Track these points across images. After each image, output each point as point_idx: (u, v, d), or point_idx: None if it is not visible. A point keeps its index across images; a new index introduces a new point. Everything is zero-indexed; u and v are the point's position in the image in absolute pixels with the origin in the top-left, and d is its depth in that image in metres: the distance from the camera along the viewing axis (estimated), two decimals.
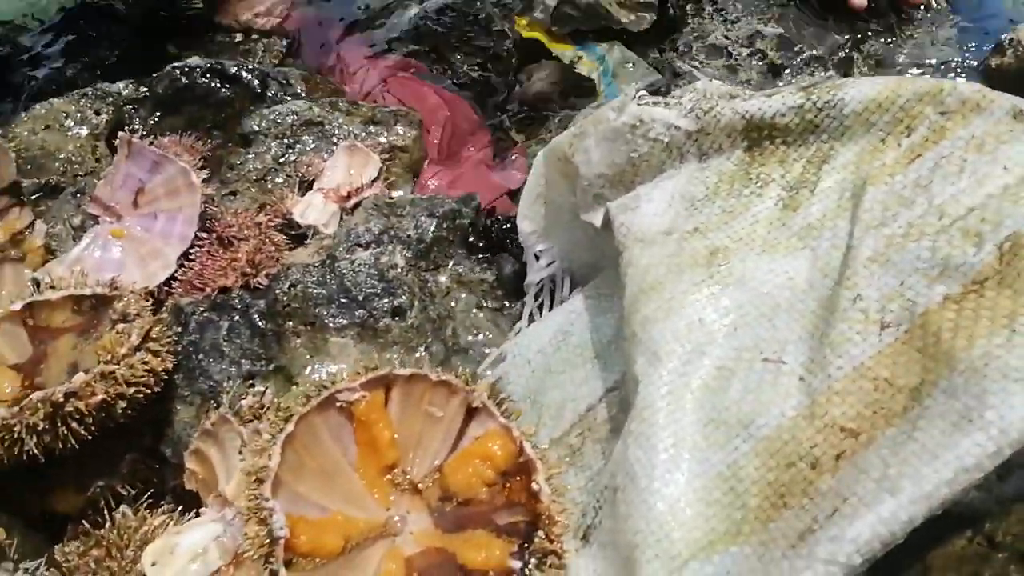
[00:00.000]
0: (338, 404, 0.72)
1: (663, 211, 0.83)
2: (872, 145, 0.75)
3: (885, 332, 0.63)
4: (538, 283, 1.05)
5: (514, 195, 1.31)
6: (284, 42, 1.56)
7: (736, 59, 1.37)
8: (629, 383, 0.74)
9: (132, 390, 0.85)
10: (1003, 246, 0.61)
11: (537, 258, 1.05)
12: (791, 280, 0.73)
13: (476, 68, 1.50)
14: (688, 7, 1.48)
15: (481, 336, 1.07)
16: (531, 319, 1.03)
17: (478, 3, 1.58)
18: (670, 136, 0.85)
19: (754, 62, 1.36)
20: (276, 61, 1.52)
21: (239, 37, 1.59)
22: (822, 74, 1.34)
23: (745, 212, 0.79)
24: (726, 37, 1.40)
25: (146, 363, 0.87)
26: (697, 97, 0.84)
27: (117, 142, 1.11)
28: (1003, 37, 1.19)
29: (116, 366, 0.84)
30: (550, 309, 1.03)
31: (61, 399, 0.80)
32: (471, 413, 0.75)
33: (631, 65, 1.46)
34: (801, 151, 0.79)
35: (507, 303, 1.11)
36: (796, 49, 1.36)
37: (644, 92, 0.88)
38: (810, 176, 0.77)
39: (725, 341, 0.71)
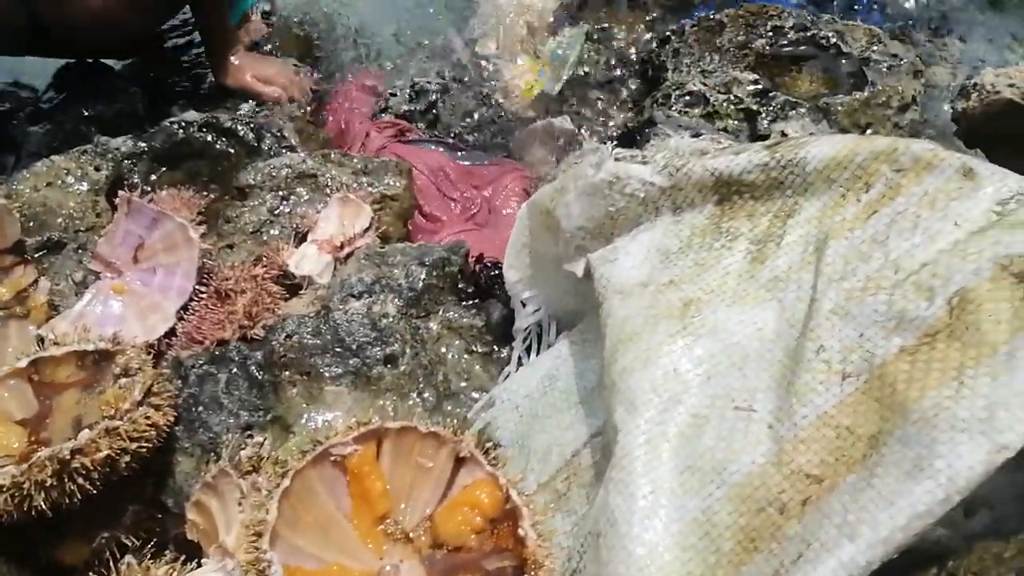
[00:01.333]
0: (332, 458, 0.75)
1: (640, 263, 0.87)
2: (833, 201, 0.79)
3: (846, 382, 0.67)
4: (525, 329, 1.09)
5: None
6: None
7: (714, 105, 1.42)
8: (609, 431, 0.78)
9: (135, 445, 0.88)
10: (952, 300, 0.65)
11: (524, 305, 1.09)
12: (760, 331, 0.77)
13: (472, 132, 1.57)
14: (667, 57, 1.53)
15: (471, 381, 1.11)
16: (519, 364, 1.07)
17: (471, 74, 1.65)
18: (645, 191, 0.89)
19: (730, 108, 1.41)
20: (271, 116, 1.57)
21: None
22: (798, 117, 1.39)
23: (716, 265, 0.83)
24: (704, 84, 1.45)
25: (148, 418, 0.90)
26: (670, 155, 0.89)
27: (117, 200, 1.16)
28: (968, 82, 1.24)
29: (120, 422, 0.88)
30: (537, 354, 1.07)
31: (68, 456, 0.84)
32: (460, 462, 0.79)
33: None
34: (768, 205, 0.84)
35: (496, 348, 1.15)
36: (771, 95, 1.41)
37: (620, 150, 0.92)
38: (776, 230, 0.82)
39: (699, 390, 0.75)
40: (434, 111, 1.72)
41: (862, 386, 0.66)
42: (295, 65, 1.72)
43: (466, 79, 1.77)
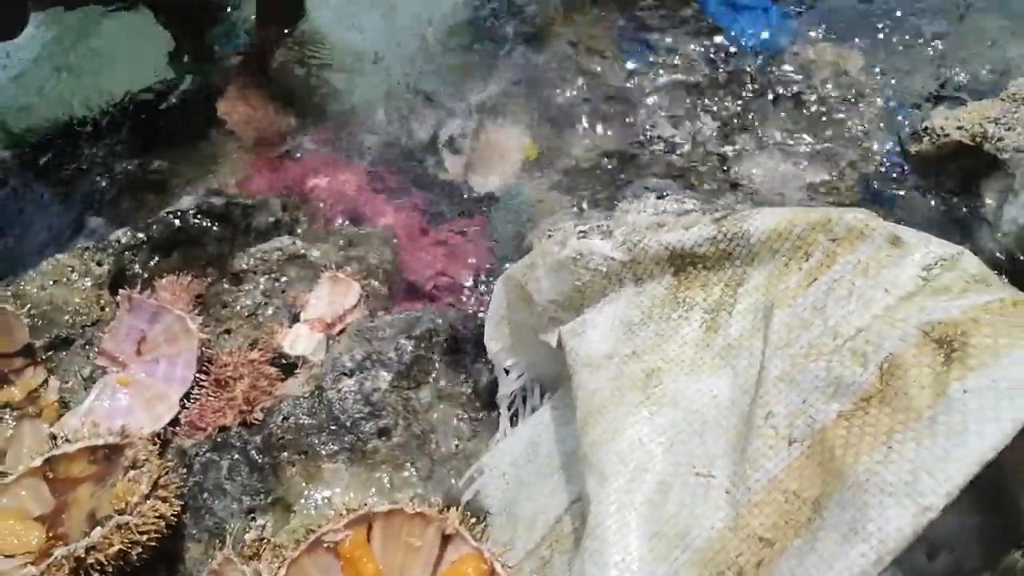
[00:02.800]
0: (325, 545, 0.81)
1: (605, 336, 0.93)
2: (778, 269, 0.85)
3: (792, 447, 0.73)
4: (510, 395, 1.14)
5: None
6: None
7: (682, 151, 1.48)
8: (584, 500, 0.83)
9: (145, 537, 0.94)
10: (883, 366, 0.70)
11: (507, 372, 1.14)
12: (715, 398, 0.82)
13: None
14: (636, 104, 1.59)
15: (463, 446, 1.16)
16: (506, 431, 1.12)
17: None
18: (607, 266, 0.95)
19: (699, 152, 1.48)
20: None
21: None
22: (765, 159, 1.45)
23: (675, 335, 0.88)
24: (674, 129, 1.52)
25: (156, 510, 0.96)
26: (627, 230, 0.95)
27: (119, 297, 1.22)
28: (919, 125, 1.30)
29: (130, 517, 0.94)
30: (524, 418, 1.13)
31: (83, 554, 0.90)
32: (447, 539, 0.84)
33: None
34: (719, 275, 0.89)
35: (485, 412, 1.20)
36: (736, 138, 1.47)
37: (583, 227, 0.98)
38: (728, 299, 0.87)
39: (663, 458, 0.80)
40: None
41: (806, 450, 0.71)
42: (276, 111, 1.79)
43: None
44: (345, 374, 1.17)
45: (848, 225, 0.81)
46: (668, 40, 1.67)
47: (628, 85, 1.63)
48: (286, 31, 1.79)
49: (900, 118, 1.41)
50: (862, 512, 0.63)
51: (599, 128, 1.60)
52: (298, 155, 1.67)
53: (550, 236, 1.16)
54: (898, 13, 1.61)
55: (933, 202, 1.28)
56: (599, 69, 1.70)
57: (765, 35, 1.63)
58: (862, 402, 0.70)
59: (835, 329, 0.76)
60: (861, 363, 0.72)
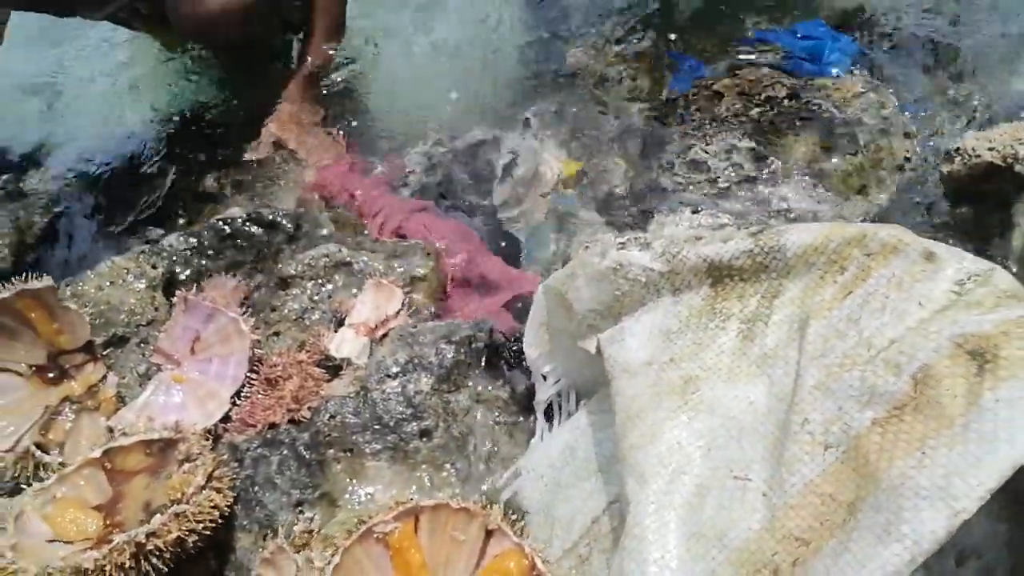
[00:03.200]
0: (375, 535, 0.85)
1: (644, 343, 0.96)
2: (813, 282, 0.88)
3: (828, 452, 0.76)
4: (546, 401, 1.18)
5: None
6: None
7: (715, 172, 1.52)
8: (623, 501, 0.86)
9: (200, 525, 0.99)
10: (916, 376, 0.73)
11: (544, 378, 1.18)
12: (752, 405, 0.85)
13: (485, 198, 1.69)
14: (671, 125, 1.64)
15: (500, 449, 1.20)
16: (542, 435, 1.16)
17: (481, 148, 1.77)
18: (646, 276, 0.99)
19: (732, 175, 1.51)
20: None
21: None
22: (796, 181, 1.48)
23: (712, 343, 0.92)
24: (705, 151, 1.55)
25: (211, 500, 1.01)
26: (666, 242, 0.98)
27: (175, 298, 1.28)
28: (951, 147, 1.33)
29: (186, 506, 0.98)
30: (559, 424, 1.16)
31: (143, 539, 0.94)
32: (489, 534, 0.88)
33: None
34: (756, 287, 0.93)
35: (521, 417, 1.24)
36: (768, 161, 1.51)
37: (622, 239, 1.02)
38: (764, 310, 0.91)
39: (701, 462, 0.84)
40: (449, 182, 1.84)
41: (841, 456, 0.74)
42: (328, 133, 1.85)
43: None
44: (389, 376, 1.21)
45: (882, 240, 0.84)
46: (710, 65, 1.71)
47: (665, 107, 1.68)
48: (332, 52, 1.85)
49: (932, 140, 1.44)
50: (896, 514, 0.66)
51: (633, 146, 1.65)
52: (348, 171, 1.73)
53: (588, 247, 1.19)
54: (928, 38, 1.64)
55: (966, 223, 1.30)
56: (641, 90, 1.75)
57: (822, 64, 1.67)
58: (896, 410, 0.73)
59: (869, 340, 0.79)
60: (895, 373, 0.75)
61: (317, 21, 1.81)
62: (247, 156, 1.72)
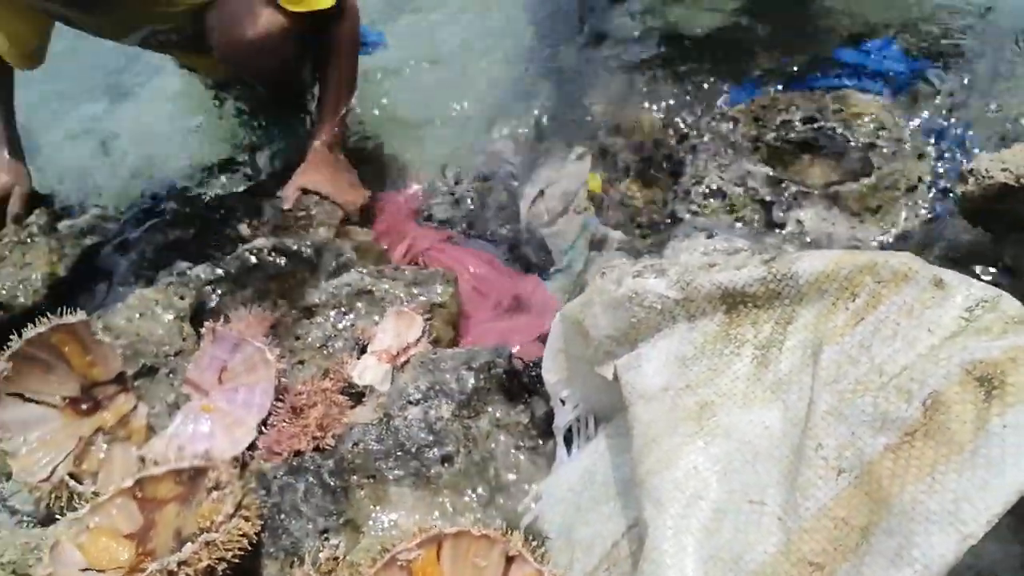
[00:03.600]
0: (399, 563, 0.87)
1: (660, 369, 0.98)
2: (826, 308, 0.90)
3: (841, 477, 0.77)
4: (565, 425, 1.20)
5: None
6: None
7: (731, 198, 1.54)
8: (641, 525, 0.88)
9: (230, 553, 1.02)
10: (927, 402, 0.75)
11: (563, 403, 1.20)
12: (767, 429, 0.87)
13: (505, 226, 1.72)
14: (686, 152, 1.66)
15: (520, 474, 1.22)
16: (562, 460, 1.17)
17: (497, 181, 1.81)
18: (662, 304, 1.01)
19: (747, 199, 1.53)
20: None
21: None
22: (811, 205, 1.50)
23: (727, 370, 0.93)
24: (721, 178, 1.57)
25: (240, 529, 1.04)
26: (681, 270, 1.01)
27: (203, 329, 1.32)
28: (964, 167, 1.34)
29: (216, 534, 1.01)
30: (579, 448, 1.18)
31: (175, 568, 0.97)
32: (510, 560, 0.90)
33: None
34: (769, 313, 0.94)
35: (541, 441, 1.26)
36: (783, 185, 1.52)
37: (638, 267, 1.04)
38: (778, 336, 0.92)
39: (718, 486, 0.85)
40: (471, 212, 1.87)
41: (854, 481, 0.76)
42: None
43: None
44: (411, 403, 1.24)
45: (893, 268, 0.86)
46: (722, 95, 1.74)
47: (680, 131, 1.70)
48: (349, 102, 1.89)
49: (945, 161, 1.45)
50: (908, 539, 0.67)
51: (651, 171, 1.68)
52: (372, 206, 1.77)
53: (604, 274, 1.21)
54: (950, 57, 1.65)
55: (981, 243, 1.31)
56: (656, 115, 1.77)
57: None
58: (907, 436, 0.74)
59: (881, 367, 0.81)
60: (906, 399, 0.76)
61: (337, 58, 1.85)
62: (280, 204, 1.76)
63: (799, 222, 1.47)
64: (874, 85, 1.67)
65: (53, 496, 1.19)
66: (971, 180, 1.33)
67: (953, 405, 0.73)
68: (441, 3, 2.45)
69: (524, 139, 2.01)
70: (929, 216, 1.41)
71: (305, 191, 1.75)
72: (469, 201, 1.88)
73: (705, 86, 1.89)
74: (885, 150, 1.52)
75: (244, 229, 1.76)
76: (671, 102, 1.88)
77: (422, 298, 1.47)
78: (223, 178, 2.00)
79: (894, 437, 0.75)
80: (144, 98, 2.41)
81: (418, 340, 1.38)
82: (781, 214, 1.49)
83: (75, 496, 1.19)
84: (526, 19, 2.30)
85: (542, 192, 1.77)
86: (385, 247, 1.74)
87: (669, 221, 1.58)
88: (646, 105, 1.90)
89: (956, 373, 0.74)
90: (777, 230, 1.45)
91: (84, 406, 1.27)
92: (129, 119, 2.34)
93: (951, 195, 1.37)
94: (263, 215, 1.80)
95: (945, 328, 0.80)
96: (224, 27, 1.70)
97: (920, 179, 1.48)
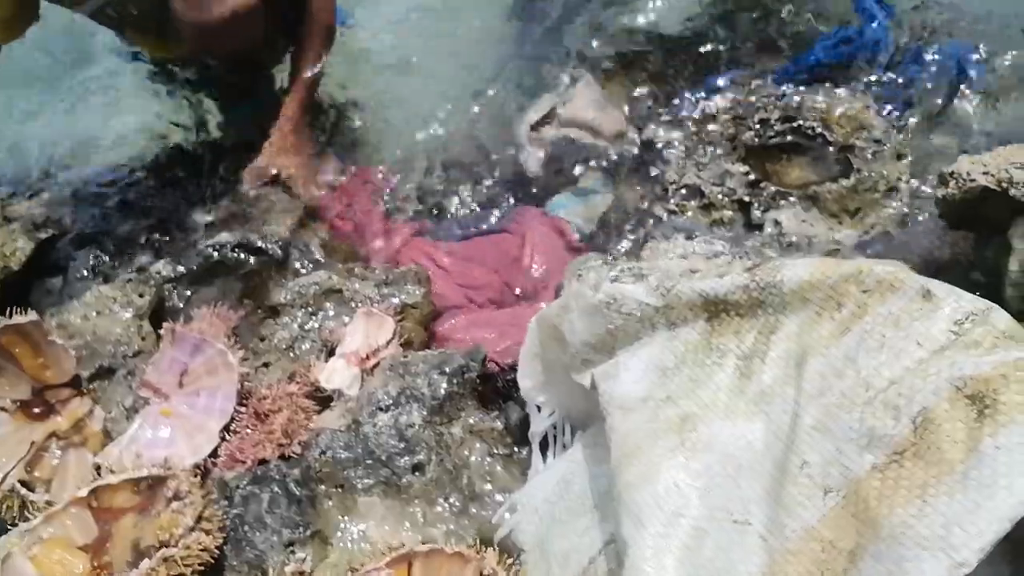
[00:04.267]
0: None
1: (639, 379, 0.95)
2: (810, 318, 0.87)
3: (828, 496, 0.74)
4: (541, 432, 1.16)
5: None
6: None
7: (709, 197, 1.51)
8: (619, 543, 0.85)
9: (189, 569, 0.97)
10: (916, 420, 0.72)
11: (539, 409, 1.17)
12: (750, 443, 0.84)
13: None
14: (663, 152, 1.63)
15: (495, 482, 1.18)
16: (537, 468, 1.14)
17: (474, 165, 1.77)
18: (641, 311, 0.97)
19: (725, 200, 1.50)
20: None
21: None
22: (789, 206, 1.48)
23: (708, 381, 0.91)
24: (699, 177, 1.55)
25: (200, 543, 0.99)
26: (661, 276, 0.97)
27: (163, 330, 1.26)
28: (945, 170, 1.32)
29: (175, 549, 0.97)
30: (555, 455, 1.15)
31: None
32: None
33: None
34: (752, 322, 0.91)
35: (516, 449, 1.22)
36: (762, 185, 1.50)
37: (615, 271, 1.01)
38: (761, 346, 0.90)
39: (699, 503, 0.82)
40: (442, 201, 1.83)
41: (841, 501, 0.73)
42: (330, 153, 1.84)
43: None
44: (380, 409, 1.20)
45: (879, 277, 0.83)
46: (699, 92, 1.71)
47: (657, 130, 1.67)
48: (321, 69, 1.83)
49: (925, 164, 1.43)
50: (898, 565, 0.65)
51: (625, 171, 1.64)
52: (339, 195, 1.72)
53: (580, 276, 1.18)
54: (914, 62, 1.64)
55: (962, 246, 1.30)
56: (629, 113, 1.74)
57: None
58: (896, 455, 0.72)
59: (867, 380, 0.78)
60: (894, 416, 0.74)
61: (310, 36, 1.79)
62: (241, 187, 1.70)
63: (778, 223, 1.45)
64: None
65: (4, 505, 1.13)
66: (951, 183, 1.32)
67: (943, 424, 0.70)
68: None
69: (491, 130, 1.96)
70: (909, 218, 1.39)
71: (273, 178, 1.70)
72: (441, 190, 1.83)
73: (681, 81, 1.86)
74: (864, 151, 1.50)
75: (202, 217, 1.69)
76: (645, 99, 1.85)
77: (393, 299, 1.43)
78: (177, 164, 1.93)
79: (882, 456, 0.73)
80: (91, 82, 2.31)
81: (388, 342, 1.33)
82: (760, 215, 1.47)
83: (27, 505, 1.13)
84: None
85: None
86: (355, 242, 1.70)
87: (645, 219, 1.55)
88: (621, 102, 1.87)
89: (946, 389, 0.72)
90: (756, 231, 1.43)
91: (36, 410, 1.21)
92: (75, 104, 2.24)
93: (931, 197, 1.35)
94: (220, 201, 1.74)
95: (933, 341, 0.77)
96: (190, 6, 1.63)
97: (900, 179, 1.47)
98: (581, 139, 1.76)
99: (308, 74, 1.77)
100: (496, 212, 1.75)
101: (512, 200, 1.76)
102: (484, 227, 1.71)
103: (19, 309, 1.18)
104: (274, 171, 1.70)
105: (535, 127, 1.81)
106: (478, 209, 1.79)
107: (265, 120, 1.83)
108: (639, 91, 1.88)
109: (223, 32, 1.64)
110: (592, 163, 1.73)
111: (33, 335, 1.18)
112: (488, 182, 1.82)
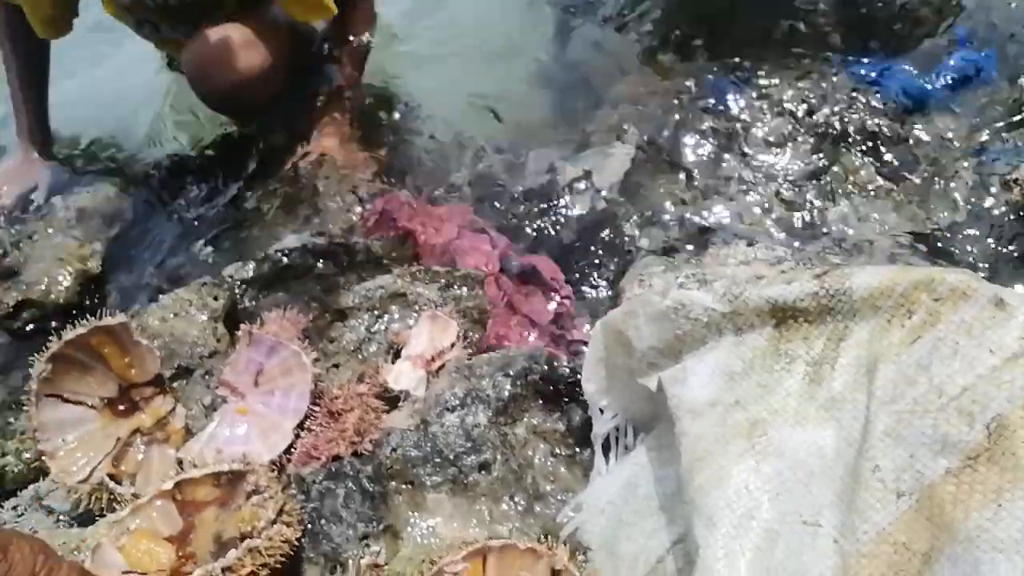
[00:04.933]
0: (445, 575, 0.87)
1: (706, 383, 0.97)
2: (880, 325, 0.88)
3: (901, 500, 0.76)
4: (604, 434, 1.19)
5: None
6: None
7: (768, 199, 1.52)
8: (690, 543, 0.87)
9: (272, 559, 1.02)
10: (990, 426, 0.74)
11: (601, 412, 1.19)
12: (821, 449, 0.86)
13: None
14: (724, 145, 1.64)
15: (558, 482, 1.21)
16: (601, 469, 1.17)
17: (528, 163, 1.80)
18: (708, 316, 1.00)
19: (786, 194, 1.51)
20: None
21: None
22: (856, 202, 1.48)
23: (778, 386, 0.92)
24: (756, 177, 1.56)
25: (282, 535, 1.04)
26: (728, 283, 0.99)
27: (240, 332, 1.31)
28: (1008, 176, 1.32)
29: (259, 540, 1.01)
30: (616, 458, 1.17)
31: (219, 574, 0.97)
32: (555, 574, 0.89)
33: None
34: (821, 329, 0.93)
35: (578, 450, 1.25)
36: (823, 183, 1.51)
37: (682, 278, 1.04)
38: (831, 352, 0.91)
39: (770, 506, 0.84)
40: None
41: (915, 504, 0.75)
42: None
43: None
44: (448, 409, 1.24)
45: (951, 285, 0.85)
46: (763, 84, 1.71)
47: (718, 127, 1.68)
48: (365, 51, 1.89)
49: (991, 169, 1.43)
50: (974, 568, 0.66)
51: (687, 171, 1.65)
52: (395, 194, 1.76)
53: (641, 281, 1.20)
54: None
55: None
56: (689, 113, 1.75)
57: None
58: (970, 460, 0.73)
59: (940, 387, 0.80)
60: (968, 422, 0.75)
61: (351, 26, 1.84)
62: (297, 165, 1.75)
63: (840, 223, 1.46)
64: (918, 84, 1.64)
65: (92, 497, 1.19)
66: (1016, 189, 1.32)
67: (1018, 429, 0.72)
68: None
69: (543, 134, 1.98)
70: (976, 220, 1.39)
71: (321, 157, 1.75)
72: (492, 185, 1.86)
73: (741, 72, 1.85)
74: (930, 149, 1.50)
75: (259, 204, 1.76)
76: (699, 93, 1.85)
77: (455, 301, 1.46)
78: (237, 154, 1.99)
79: (956, 461, 0.74)
80: (133, 91, 2.39)
81: (452, 345, 1.37)
82: (822, 214, 1.47)
83: (115, 497, 1.19)
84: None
85: (587, 172, 1.75)
86: (412, 243, 1.73)
87: (705, 218, 1.56)
88: (673, 98, 1.87)
89: (1020, 396, 0.73)
90: (817, 234, 1.43)
91: (122, 407, 1.27)
92: (127, 116, 2.33)
93: (997, 201, 1.35)
94: (280, 191, 1.81)
95: (1007, 349, 0.78)
96: (201, 74, 1.68)
97: (966, 182, 1.46)
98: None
99: (352, 67, 1.81)
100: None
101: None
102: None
103: (107, 311, 1.24)
104: (320, 151, 1.75)
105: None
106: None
107: (313, 111, 1.89)
108: (690, 81, 1.88)
109: (234, 96, 1.68)
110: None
111: (121, 336, 1.24)
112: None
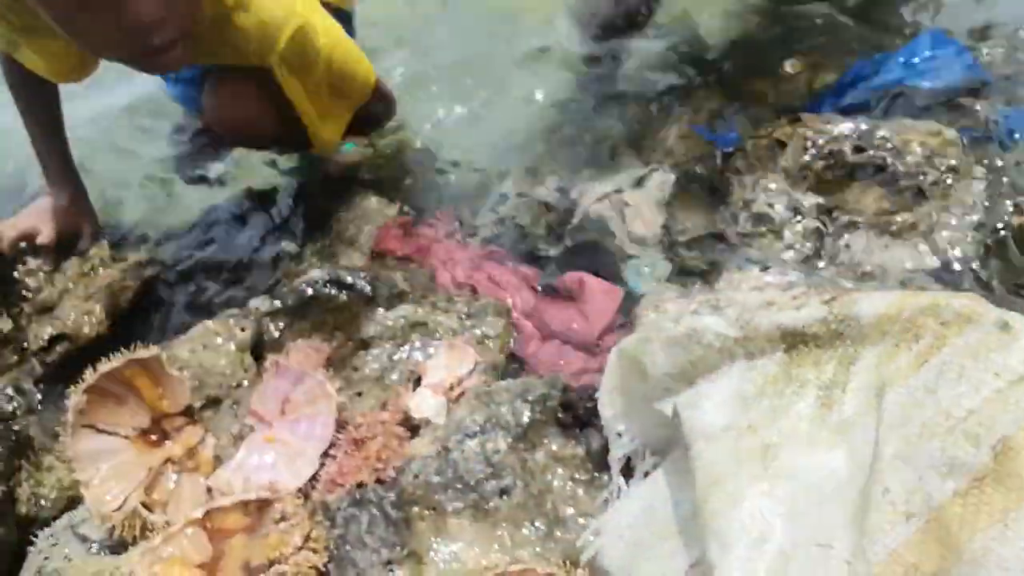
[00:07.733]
0: None
1: (720, 408, 0.99)
2: (888, 350, 0.90)
3: (910, 521, 0.78)
4: (621, 459, 1.21)
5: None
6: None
7: (779, 225, 1.54)
8: (706, 566, 0.89)
9: None
10: (996, 447, 0.75)
11: (619, 436, 1.22)
12: (833, 472, 0.88)
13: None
14: (732, 174, 1.67)
15: (578, 507, 1.23)
16: (619, 493, 1.19)
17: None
18: (720, 342, 1.02)
19: (797, 227, 1.54)
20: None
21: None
22: (862, 235, 1.50)
23: (789, 410, 0.94)
24: (768, 205, 1.58)
25: (309, 561, 1.07)
26: (740, 309, 1.02)
27: (267, 363, 1.36)
28: (1019, 199, 1.34)
29: (286, 567, 1.04)
30: (635, 483, 1.19)
31: None
32: None
33: None
34: (831, 353, 0.95)
35: (596, 474, 1.27)
36: (833, 215, 1.53)
37: (694, 305, 1.06)
38: (841, 377, 0.93)
39: (783, 528, 0.86)
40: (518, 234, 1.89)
41: (923, 526, 0.77)
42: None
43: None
44: (468, 436, 1.26)
45: (956, 310, 0.87)
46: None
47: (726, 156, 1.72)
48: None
49: (1000, 193, 1.44)
50: None
51: (696, 202, 1.69)
52: (417, 232, 1.81)
53: (657, 308, 1.22)
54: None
55: None
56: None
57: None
58: (976, 481, 0.75)
59: (947, 410, 0.81)
60: (974, 444, 0.77)
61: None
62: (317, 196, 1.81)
63: (851, 252, 1.48)
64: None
65: (126, 525, 1.23)
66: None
67: (1022, 451, 0.73)
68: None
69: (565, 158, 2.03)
70: (984, 246, 1.40)
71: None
72: (515, 224, 1.90)
73: (750, 107, 1.91)
74: (937, 178, 1.52)
75: (291, 247, 1.81)
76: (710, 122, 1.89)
77: (476, 330, 1.50)
78: (255, 199, 2.05)
79: (963, 483, 0.76)
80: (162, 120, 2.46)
81: (471, 373, 1.40)
82: (832, 244, 1.49)
83: (147, 525, 1.23)
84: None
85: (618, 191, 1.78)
86: (430, 273, 1.78)
87: (717, 247, 1.59)
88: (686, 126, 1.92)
89: None
90: (829, 261, 1.45)
91: (153, 437, 1.31)
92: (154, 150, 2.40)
93: (1008, 226, 1.36)
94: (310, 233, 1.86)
95: (1012, 371, 0.80)
96: (214, 117, 1.74)
97: (974, 207, 1.48)
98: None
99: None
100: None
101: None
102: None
103: (140, 344, 1.29)
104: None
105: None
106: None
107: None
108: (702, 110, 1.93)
109: (255, 127, 1.74)
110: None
111: (153, 368, 1.29)
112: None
